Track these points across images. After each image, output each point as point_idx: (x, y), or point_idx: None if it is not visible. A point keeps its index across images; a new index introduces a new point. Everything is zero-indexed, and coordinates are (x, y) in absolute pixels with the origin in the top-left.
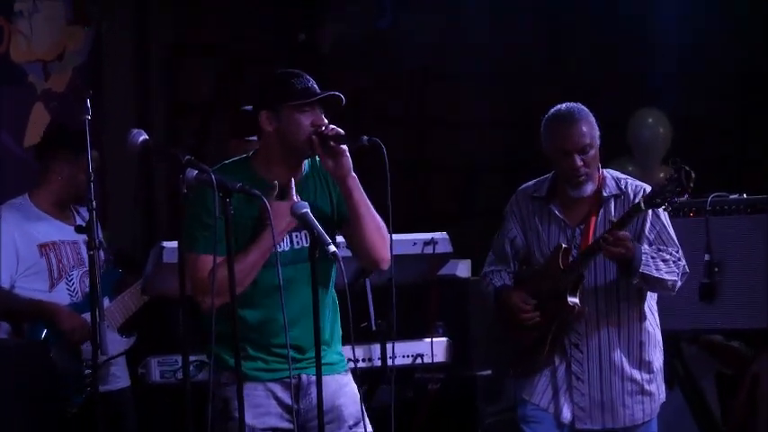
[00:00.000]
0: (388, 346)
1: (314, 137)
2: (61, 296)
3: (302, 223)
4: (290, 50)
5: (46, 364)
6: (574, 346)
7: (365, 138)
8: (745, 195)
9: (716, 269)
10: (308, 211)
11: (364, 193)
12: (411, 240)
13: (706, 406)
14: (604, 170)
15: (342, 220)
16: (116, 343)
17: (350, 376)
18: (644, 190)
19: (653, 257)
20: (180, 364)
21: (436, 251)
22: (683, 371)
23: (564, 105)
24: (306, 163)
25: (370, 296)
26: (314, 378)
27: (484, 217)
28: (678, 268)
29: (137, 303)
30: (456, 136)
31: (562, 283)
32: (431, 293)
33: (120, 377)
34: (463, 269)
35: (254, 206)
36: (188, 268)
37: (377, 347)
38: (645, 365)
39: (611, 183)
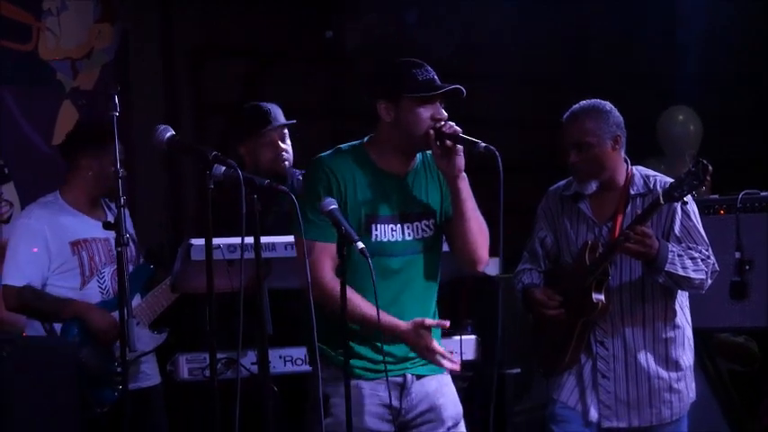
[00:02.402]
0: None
1: (431, 131)
2: (93, 294)
3: (330, 220)
4: (316, 49)
5: (77, 363)
6: (599, 343)
7: (482, 144)
8: None
9: (747, 267)
10: (336, 207)
11: (471, 194)
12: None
13: (736, 403)
14: (634, 167)
15: (447, 217)
16: (148, 340)
17: (449, 377)
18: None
19: (680, 255)
20: (208, 362)
21: None
22: (712, 369)
23: (584, 101)
24: (418, 155)
25: None
26: (420, 377)
27: (513, 216)
28: (707, 267)
29: (168, 300)
30: (485, 135)
31: (587, 280)
32: (461, 291)
33: (150, 374)
34: (492, 267)
35: (369, 201)
36: (304, 253)
37: None
38: (672, 363)
39: (638, 180)
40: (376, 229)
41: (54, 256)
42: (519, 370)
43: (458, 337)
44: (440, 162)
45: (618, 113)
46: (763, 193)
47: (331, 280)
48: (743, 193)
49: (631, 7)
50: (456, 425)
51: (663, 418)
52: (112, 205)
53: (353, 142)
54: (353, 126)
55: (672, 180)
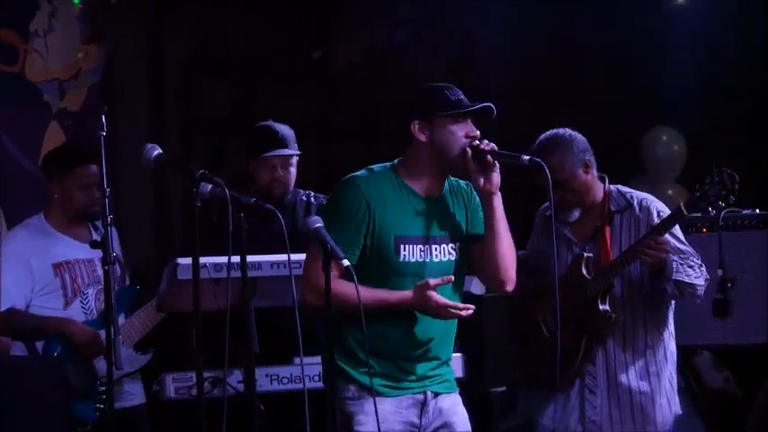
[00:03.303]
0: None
1: (468, 149)
2: (76, 314)
3: (315, 238)
4: (305, 66)
5: (60, 382)
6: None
7: (526, 157)
8: (757, 210)
9: (729, 284)
10: (322, 225)
11: (504, 214)
12: None
13: (720, 421)
14: (612, 186)
15: (472, 239)
16: (132, 360)
17: (460, 397)
18: (650, 202)
19: (681, 264)
20: (195, 381)
21: None
22: (696, 386)
23: (543, 136)
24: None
25: None
26: (436, 395)
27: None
28: (703, 274)
29: (153, 321)
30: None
31: (591, 292)
32: None
33: (134, 394)
34: (478, 286)
35: (398, 221)
36: (309, 262)
37: None
38: (655, 376)
39: (617, 196)
40: (404, 250)
41: (37, 279)
42: (504, 388)
43: None
44: (477, 179)
45: (580, 136)
46: (745, 212)
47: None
48: (725, 211)
49: (620, 23)
50: None
51: (656, 426)
52: (99, 224)
53: (385, 164)
54: (342, 143)
55: (647, 195)
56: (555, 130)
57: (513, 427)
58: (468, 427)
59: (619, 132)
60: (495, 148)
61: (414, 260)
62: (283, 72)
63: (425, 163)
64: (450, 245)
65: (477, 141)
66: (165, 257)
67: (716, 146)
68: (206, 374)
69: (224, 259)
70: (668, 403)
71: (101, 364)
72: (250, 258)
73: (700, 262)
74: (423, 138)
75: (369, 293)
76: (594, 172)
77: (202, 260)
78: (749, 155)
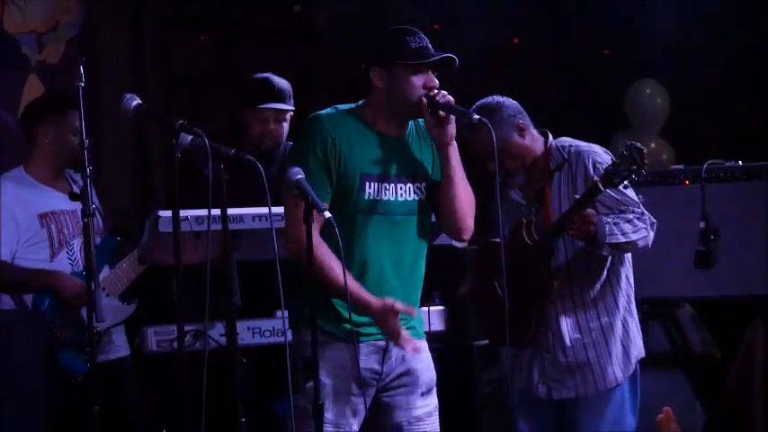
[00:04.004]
0: None
1: (424, 99)
2: (62, 265)
3: (296, 190)
4: (286, 22)
5: (48, 335)
6: None
7: (476, 117)
8: (740, 162)
9: (712, 236)
10: (303, 177)
11: (461, 163)
12: None
13: (704, 374)
14: (554, 141)
15: (436, 183)
16: (117, 310)
17: (426, 343)
18: (585, 155)
19: (615, 223)
20: (176, 334)
21: (432, 221)
22: (678, 338)
23: (476, 104)
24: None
25: None
26: (408, 334)
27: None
28: (645, 223)
29: (136, 271)
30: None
31: (534, 260)
32: (427, 263)
33: (120, 346)
34: None
35: (363, 159)
36: (286, 211)
37: None
38: (610, 331)
39: (556, 153)
40: (369, 187)
41: (22, 230)
42: (487, 341)
43: (425, 309)
44: (432, 130)
45: (509, 101)
46: (728, 163)
47: (318, 243)
48: (707, 163)
49: None
50: (429, 390)
51: (608, 383)
52: (77, 177)
53: (350, 104)
54: (322, 100)
55: (585, 145)
56: (484, 99)
57: (494, 380)
58: (433, 373)
59: (602, 88)
60: (452, 100)
61: (379, 198)
62: (263, 28)
63: (384, 108)
64: (416, 184)
65: (435, 93)
66: (146, 209)
67: (699, 99)
68: (187, 327)
69: (205, 212)
70: (619, 359)
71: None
72: (231, 211)
73: (641, 210)
74: (381, 84)
75: (340, 274)
76: (533, 132)
77: (183, 213)
78: (732, 107)
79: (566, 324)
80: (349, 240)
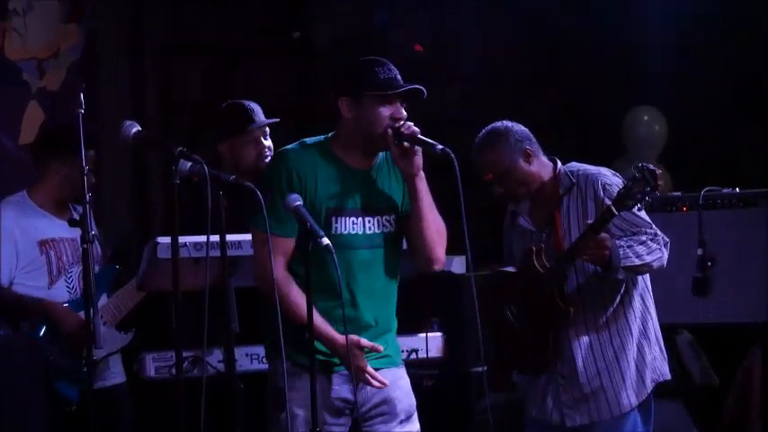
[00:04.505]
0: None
1: (389, 131)
2: (60, 293)
3: (295, 216)
4: (284, 47)
5: (44, 361)
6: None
7: (439, 147)
8: (737, 190)
9: (709, 263)
10: (301, 203)
11: (429, 193)
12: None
13: (701, 401)
14: (563, 166)
15: (407, 214)
16: (114, 339)
17: (404, 370)
18: (594, 177)
19: (629, 246)
20: (174, 360)
21: None
22: (677, 365)
23: (480, 134)
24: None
25: None
26: (373, 370)
27: (477, 216)
28: (658, 243)
29: (134, 300)
30: (449, 136)
31: (547, 287)
32: (427, 289)
33: (116, 373)
34: (458, 265)
35: (330, 194)
36: (254, 247)
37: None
38: (623, 355)
39: (564, 178)
40: (336, 222)
41: (21, 255)
42: (485, 368)
43: (423, 335)
44: (398, 161)
45: (517, 127)
46: (725, 190)
47: (283, 277)
48: (705, 190)
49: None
50: (409, 417)
51: (622, 407)
52: (78, 206)
53: (319, 137)
54: (321, 125)
55: (593, 169)
56: (492, 125)
57: (492, 407)
58: (412, 400)
59: (600, 114)
60: (417, 132)
61: (346, 232)
62: (263, 52)
63: (352, 139)
64: (386, 216)
65: (400, 124)
66: (144, 236)
67: (696, 126)
68: (186, 354)
69: (204, 238)
70: (633, 383)
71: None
72: (230, 237)
73: (654, 231)
74: (349, 115)
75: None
76: (541, 158)
77: (182, 239)
78: (729, 134)
79: (579, 350)
80: (318, 277)
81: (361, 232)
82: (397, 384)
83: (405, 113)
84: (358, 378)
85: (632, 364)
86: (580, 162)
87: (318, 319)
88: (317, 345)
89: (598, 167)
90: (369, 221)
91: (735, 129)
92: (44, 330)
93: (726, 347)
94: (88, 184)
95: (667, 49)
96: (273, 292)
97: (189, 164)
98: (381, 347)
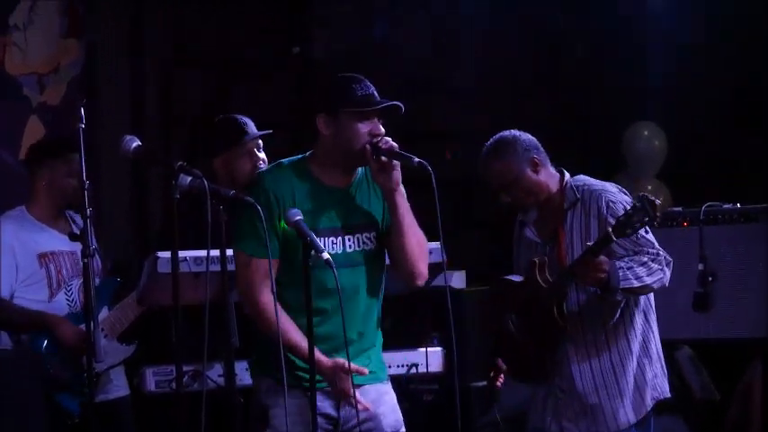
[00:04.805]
0: (388, 355)
1: (368, 147)
2: (60, 306)
3: (295, 230)
4: (284, 63)
5: (45, 375)
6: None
7: (416, 160)
8: (738, 205)
9: (710, 278)
10: (301, 218)
11: (409, 208)
12: None
13: (702, 417)
14: (570, 179)
15: (387, 230)
16: (116, 351)
17: (390, 385)
18: (598, 194)
19: (629, 268)
20: (175, 374)
21: (430, 261)
22: (677, 380)
23: (488, 143)
24: (360, 168)
25: None
26: (356, 386)
27: (478, 229)
28: (659, 264)
29: (135, 313)
30: (450, 149)
31: (547, 302)
32: (426, 304)
33: (119, 386)
34: (458, 280)
35: (310, 215)
36: (237, 268)
37: None
38: (622, 373)
39: (570, 193)
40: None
41: (21, 269)
42: (485, 383)
43: (423, 350)
44: (377, 176)
45: (525, 136)
46: (726, 206)
47: (268, 301)
48: (706, 205)
49: (601, 20)
50: None
51: (619, 424)
52: (77, 218)
53: (297, 156)
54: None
55: (599, 185)
56: (500, 134)
57: (493, 422)
58: (399, 416)
59: (600, 130)
60: (395, 146)
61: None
62: (263, 68)
63: (331, 156)
64: (365, 234)
65: (378, 139)
66: (144, 250)
67: (696, 141)
68: (186, 368)
69: (204, 253)
70: (631, 401)
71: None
72: (230, 252)
73: (656, 251)
74: (327, 132)
75: (296, 339)
76: (549, 168)
77: (182, 254)
78: (729, 150)
79: (577, 366)
80: (300, 296)
81: (340, 251)
82: (382, 400)
83: (383, 129)
84: (340, 396)
85: (631, 382)
86: (586, 174)
87: (304, 342)
88: (299, 362)
89: (603, 183)
90: (348, 240)
91: (735, 143)
92: (45, 343)
93: (726, 362)
94: (88, 196)
95: (663, 62)
96: (259, 316)
97: (189, 178)
98: (366, 371)
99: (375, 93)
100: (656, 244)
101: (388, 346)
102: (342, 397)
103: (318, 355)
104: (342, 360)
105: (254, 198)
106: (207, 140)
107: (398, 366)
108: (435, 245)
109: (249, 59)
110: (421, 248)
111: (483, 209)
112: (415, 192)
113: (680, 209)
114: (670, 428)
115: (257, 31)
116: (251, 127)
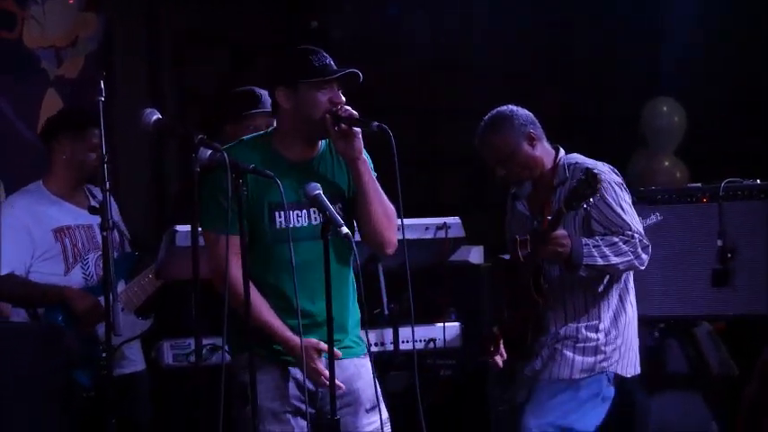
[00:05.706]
0: (406, 330)
1: (327, 116)
2: (76, 280)
3: (315, 205)
4: (301, 38)
5: (62, 348)
6: None
7: (375, 124)
8: (758, 181)
9: (729, 255)
10: (321, 192)
11: (374, 177)
12: (423, 225)
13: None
14: (564, 156)
15: (354, 200)
16: (134, 325)
17: (368, 360)
18: (582, 170)
19: (596, 246)
20: (193, 348)
21: (449, 235)
22: (695, 356)
23: (486, 117)
24: (323, 141)
25: (382, 280)
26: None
27: (494, 208)
28: (632, 246)
29: (153, 287)
30: (467, 128)
31: (524, 277)
32: (443, 278)
33: (135, 360)
34: (476, 255)
35: (270, 189)
36: (206, 248)
37: (389, 332)
38: (587, 340)
39: (561, 170)
40: (280, 216)
41: (37, 244)
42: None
43: (441, 325)
44: (339, 146)
45: (522, 111)
46: (746, 182)
47: (240, 278)
48: (725, 181)
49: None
50: (373, 408)
51: (573, 372)
52: (96, 191)
53: (259, 132)
54: None
55: (586, 161)
56: (497, 109)
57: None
58: (377, 390)
59: (619, 107)
60: (355, 114)
61: (291, 226)
62: (280, 43)
63: (293, 129)
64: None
65: (338, 108)
66: (161, 224)
67: (715, 118)
68: (204, 341)
69: None
70: (582, 363)
71: (102, 331)
72: None
73: (631, 233)
74: (287, 105)
75: (268, 318)
76: (545, 144)
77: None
78: (748, 126)
79: (554, 325)
80: (267, 271)
81: (306, 224)
82: (360, 374)
83: (342, 98)
84: (315, 382)
85: (589, 349)
86: (601, 152)
87: (275, 321)
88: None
89: (595, 162)
90: (314, 212)
91: (753, 121)
92: (60, 316)
93: (746, 339)
94: (108, 170)
95: (689, 36)
96: (229, 293)
97: (209, 151)
98: (340, 354)
99: (332, 62)
100: (636, 226)
101: (404, 321)
102: (314, 378)
103: (289, 334)
104: (314, 340)
105: (216, 174)
106: (222, 106)
107: (416, 341)
108: (454, 219)
109: (267, 36)
110: (388, 217)
111: (498, 189)
112: (418, 171)
113: (699, 185)
114: (688, 404)
115: (276, 7)
116: (266, 102)
